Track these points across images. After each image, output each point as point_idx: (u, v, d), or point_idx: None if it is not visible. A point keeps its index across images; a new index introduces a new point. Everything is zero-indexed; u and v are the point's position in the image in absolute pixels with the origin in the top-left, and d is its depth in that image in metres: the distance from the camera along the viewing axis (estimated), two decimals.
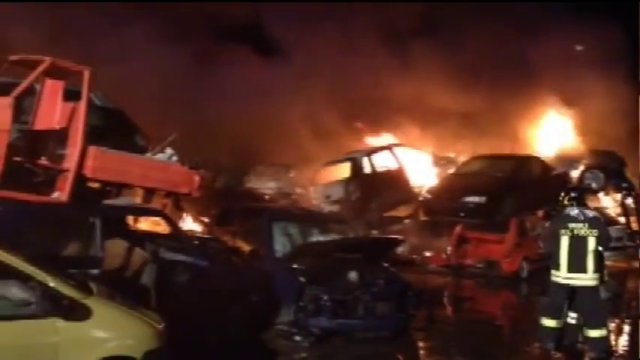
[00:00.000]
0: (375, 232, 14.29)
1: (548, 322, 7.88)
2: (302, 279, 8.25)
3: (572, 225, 7.80)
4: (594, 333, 7.78)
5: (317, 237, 9.50)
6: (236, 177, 18.46)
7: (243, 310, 7.85)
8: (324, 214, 13.13)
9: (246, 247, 9.29)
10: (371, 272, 8.68)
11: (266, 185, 18.83)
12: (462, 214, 14.74)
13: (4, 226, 6.59)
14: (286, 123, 18.62)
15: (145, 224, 9.17)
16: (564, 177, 17.05)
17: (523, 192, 15.03)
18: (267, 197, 17.94)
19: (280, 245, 9.06)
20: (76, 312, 4.62)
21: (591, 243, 7.74)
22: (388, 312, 8.51)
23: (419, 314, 8.99)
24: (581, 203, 8.04)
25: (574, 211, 7.91)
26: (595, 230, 7.78)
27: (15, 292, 4.78)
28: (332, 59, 19.62)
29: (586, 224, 7.79)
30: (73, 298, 4.66)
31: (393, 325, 8.64)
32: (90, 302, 4.74)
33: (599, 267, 7.81)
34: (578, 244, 7.74)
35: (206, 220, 12.05)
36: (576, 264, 7.73)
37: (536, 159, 17.54)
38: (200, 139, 13.70)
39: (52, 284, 4.64)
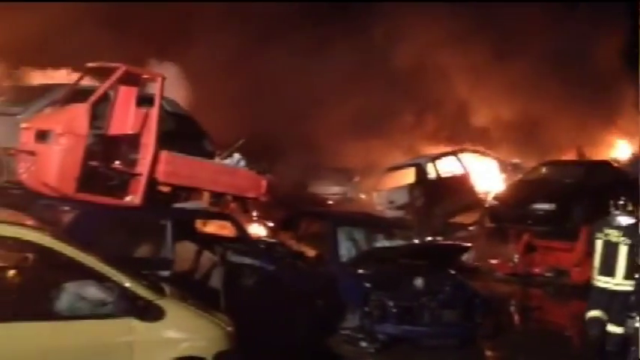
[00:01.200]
0: (439, 239, 14.14)
1: (592, 313, 7.90)
2: (367, 284, 8.25)
3: (607, 230, 7.90)
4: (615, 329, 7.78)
5: (382, 242, 9.48)
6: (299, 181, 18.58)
7: (308, 314, 7.90)
8: (388, 220, 13.08)
9: (311, 252, 9.34)
10: (437, 279, 8.61)
11: (329, 190, 18.89)
12: (530, 222, 14.41)
13: (81, 228, 6.83)
14: (350, 127, 18.63)
15: (213, 227, 9.33)
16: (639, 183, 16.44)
17: (594, 199, 14.58)
18: (330, 202, 17.98)
19: (345, 250, 9.09)
20: (151, 312, 4.72)
21: (622, 250, 7.74)
22: (455, 320, 8.42)
23: (486, 323, 8.84)
24: (625, 210, 7.94)
25: (613, 217, 7.94)
26: (628, 239, 7.74)
27: (92, 292, 4.90)
28: (404, 62, 19.50)
29: (621, 231, 7.81)
30: (148, 299, 4.77)
31: (460, 334, 8.54)
32: (163, 303, 4.84)
33: (631, 274, 7.73)
34: (610, 250, 7.81)
35: (270, 224, 12.16)
36: (606, 268, 7.81)
37: (608, 165, 17.00)
38: (265, 143, 13.84)
39: (127, 285, 4.76)
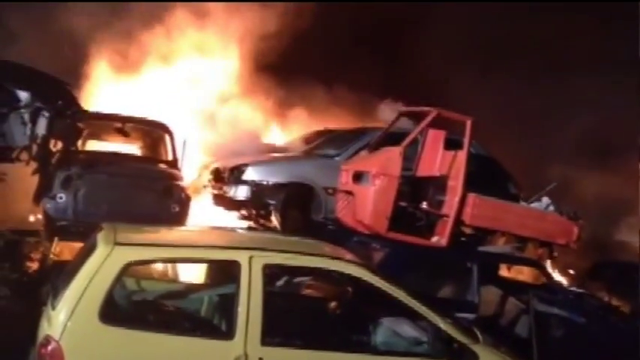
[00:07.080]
0: None
1: None
2: None
3: None
4: None
5: None
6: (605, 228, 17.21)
7: None
8: None
9: (624, 306, 8.57)
10: None
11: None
12: None
13: (390, 266, 7.11)
14: None
15: (515, 273, 9.06)
16: None
17: None
18: None
19: None
20: (465, 357, 4.67)
21: None
22: None
23: None
24: None
25: None
26: None
27: (407, 329, 5.04)
28: None
29: None
30: (463, 342, 4.73)
31: None
32: (477, 349, 4.75)
33: None
34: None
35: (572, 272, 11.45)
36: None
37: None
38: (573, 188, 13.09)
39: (442, 326, 4.76)
